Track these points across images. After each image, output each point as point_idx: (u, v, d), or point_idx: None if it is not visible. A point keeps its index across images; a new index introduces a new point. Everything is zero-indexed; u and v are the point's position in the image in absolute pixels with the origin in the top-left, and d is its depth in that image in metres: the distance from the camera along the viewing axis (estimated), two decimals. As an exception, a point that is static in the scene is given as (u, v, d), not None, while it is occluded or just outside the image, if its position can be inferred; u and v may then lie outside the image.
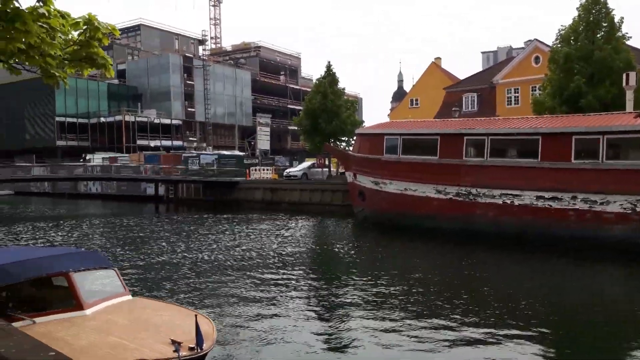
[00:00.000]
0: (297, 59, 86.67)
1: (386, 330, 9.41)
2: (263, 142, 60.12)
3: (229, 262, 16.27)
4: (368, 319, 10.15)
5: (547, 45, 35.28)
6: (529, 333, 9.28)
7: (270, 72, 77.57)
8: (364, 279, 13.97)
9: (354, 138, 30.69)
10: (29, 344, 3.41)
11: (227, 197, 38.58)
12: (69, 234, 23.87)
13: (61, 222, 29.49)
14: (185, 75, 64.24)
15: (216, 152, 52.60)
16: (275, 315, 10.41)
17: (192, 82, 64.62)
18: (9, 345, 3.39)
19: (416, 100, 54.82)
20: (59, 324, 6.40)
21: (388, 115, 60.03)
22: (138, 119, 58.52)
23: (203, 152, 53.19)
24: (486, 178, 20.69)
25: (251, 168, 44.24)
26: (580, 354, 8.73)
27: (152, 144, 58.20)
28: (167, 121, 61.33)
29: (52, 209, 40.51)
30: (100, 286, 7.71)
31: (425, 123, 25.62)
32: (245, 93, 71.20)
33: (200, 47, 75.78)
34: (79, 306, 6.79)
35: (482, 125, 22.17)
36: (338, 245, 20.40)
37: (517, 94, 41.20)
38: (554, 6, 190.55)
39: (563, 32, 27.18)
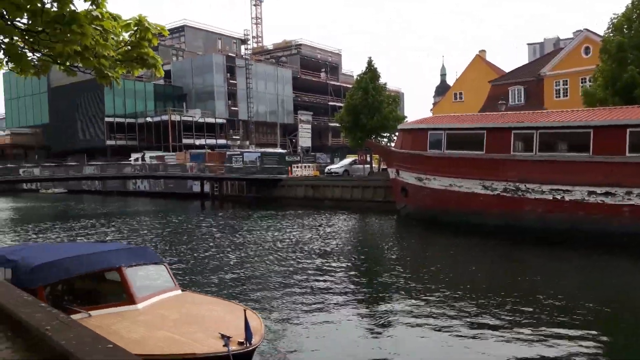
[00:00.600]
0: (338, 55, 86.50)
1: (431, 329, 9.28)
2: (304, 139, 60.34)
3: (273, 258, 16.44)
4: (412, 316, 10.03)
5: (598, 35, 33.82)
6: (580, 333, 8.94)
7: (311, 70, 77.78)
8: (408, 276, 13.82)
9: (396, 134, 30.37)
10: (89, 336, 3.53)
11: (270, 194, 39.01)
12: (120, 230, 24.71)
13: (112, 218, 30.59)
14: (228, 74, 65.25)
15: (259, 150, 53.26)
16: (320, 310, 10.44)
17: (235, 82, 65.58)
18: (70, 337, 3.52)
19: (460, 94, 53.71)
20: (113, 317, 6.62)
21: (431, 110, 59.10)
22: (183, 118, 59.92)
23: (246, 150, 53.95)
24: (535, 173, 20.06)
25: (293, 165, 44.54)
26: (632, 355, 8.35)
27: (197, 142, 59.47)
28: (212, 120, 62.52)
29: (102, 206, 42.05)
30: (150, 281, 7.93)
31: (470, 117, 25.07)
32: (286, 91, 71.70)
33: (243, 47, 76.75)
34: (131, 300, 7.01)
35: (531, 119, 21.49)
36: (381, 242, 20.26)
37: (566, 86, 39.72)
38: (566, 3, 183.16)
39: (615, 20, 25.97)
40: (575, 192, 19.01)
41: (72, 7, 3.58)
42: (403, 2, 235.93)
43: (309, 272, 14.19)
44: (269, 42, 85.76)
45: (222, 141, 62.71)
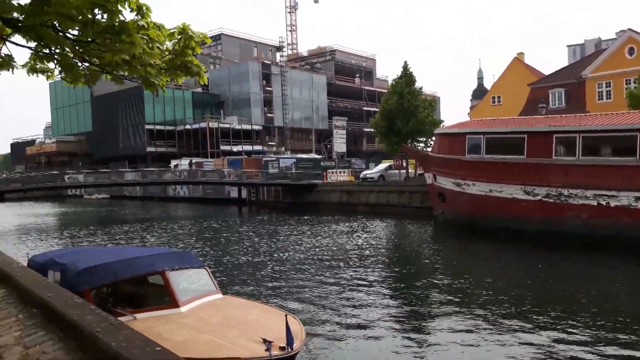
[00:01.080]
0: (372, 60, 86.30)
1: (470, 338, 9.08)
2: (339, 144, 60.29)
3: (310, 263, 16.47)
4: (450, 322, 9.85)
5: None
6: (626, 341, 8.57)
7: (345, 75, 77.87)
8: (446, 283, 13.59)
9: (433, 138, 29.99)
10: (138, 339, 3.61)
11: (305, 199, 39.16)
12: (161, 235, 25.27)
13: (153, 223, 31.33)
14: (264, 81, 66.06)
15: (294, 155, 53.58)
16: (358, 317, 10.37)
17: (271, 88, 66.31)
18: (120, 339, 3.61)
19: (498, 97, 52.74)
20: (157, 320, 6.75)
21: (468, 114, 58.21)
22: (221, 125, 60.96)
23: (282, 156, 54.38)
24: (578, 178, 19.45)
25: (328, 171, 44.58)
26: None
27: (234, 149, 60.35)
28: (248, 127, 63.37)
29: (143, 211, 43.12)
30: (193, 285, 8.06)
31: (509, 121, 24.53)
32: (321, 97, 72.01)
33: (278, 54, 77.63)
34: (174, 304, 7.14)
35: (573, 122, 20.87)
36: (418, 248, 20.01)
37: (609, 88, 38.42)
38: (573, 2, 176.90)
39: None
40: (622, 197, 18.32)
41: (121, 18, 3.70)
42: (411, 0, 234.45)
43: (346, 277, 14.14)
44: (303, 49, 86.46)
45: (258, 147, 63.46)
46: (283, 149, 65.40)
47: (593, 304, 11.22)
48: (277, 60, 74.31)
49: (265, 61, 69.34)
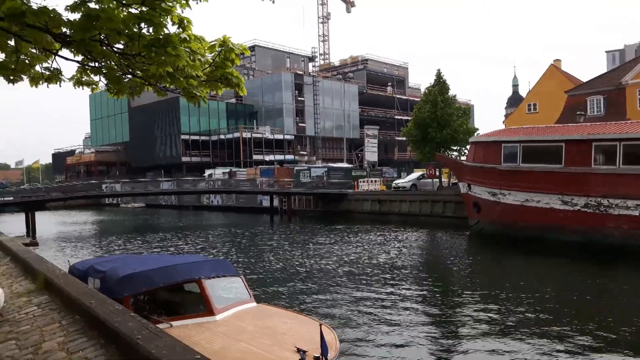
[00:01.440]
0: (405, 69, 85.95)
1: (505, 352, 8.84)
2: (371, 153, 60.16)
3: (342, 272, 16.41)
4: (483, 336, 9.63)
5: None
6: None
7: (377, 84, 77.79)
8: (481, 295, 13.30)
9: (467, 147, 29.56)
10: (178, 346, 3.66)
11: (337, 208, 39.11)
12: (195, 243, 25.65)
13: (188, 231, 31.84)
14: (296, 92, 66.65)
15: (325, 164, 53.66)
16: (391, 327, 10.26)
17: (303, 98, 66.83)
18: (160, 346, 3.67)
19: (534, 105, 51.60)
20: (193, 328, 6.82)
21: (503, 122, 57.15)
22: (254, 135, 61.72)
23: (313, 165, 54.54)
24: (619, 187, 18.83)
25: (359, 180, 44.43)
26: None
27: (267, 158, 60.93)
28: (280, 136, 63.94)
29: (178, 220, 43.88)
30: (228, 293, 8.12)
31: (547, 129, 23.98)
32: (352, 106, 72.11)
33: (310, 64, 78.18)
34: (210, 311, 7.20)
35: (613, 130, 20.24)
36: (452, 259, 19.68)
37: (651, 94, 37.09)
38: (611, 7, 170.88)
39: None
40: (667, 207, 17.63)
41: (166, 31, 3.80)
42: (444, 9, 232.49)
43: (379, 288, 14.02)
44: (335, 59, 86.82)
45: (290, 157, 63.90)
46: (314, 158, 65.65)
47: (634, 319, 10.79)
48: (310, 71, 74.84)
49: (298, 72, 69.94)
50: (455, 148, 37.35)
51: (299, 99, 66.78)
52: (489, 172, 23.11)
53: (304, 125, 67.12)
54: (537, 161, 21.49)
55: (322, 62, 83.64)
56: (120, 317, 4.73)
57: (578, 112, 33.18)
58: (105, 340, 4.68)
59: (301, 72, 70.24)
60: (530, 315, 11.11)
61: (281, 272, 16.79)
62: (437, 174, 37.09)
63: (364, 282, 14.86)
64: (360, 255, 19.86)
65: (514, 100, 70.90)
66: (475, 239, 24.58)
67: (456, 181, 30.96)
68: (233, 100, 67.05)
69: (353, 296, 13.04)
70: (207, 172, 55.07)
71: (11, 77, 4.87)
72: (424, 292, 13.87)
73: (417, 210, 32.87)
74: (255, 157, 60.33)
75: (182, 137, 62.72)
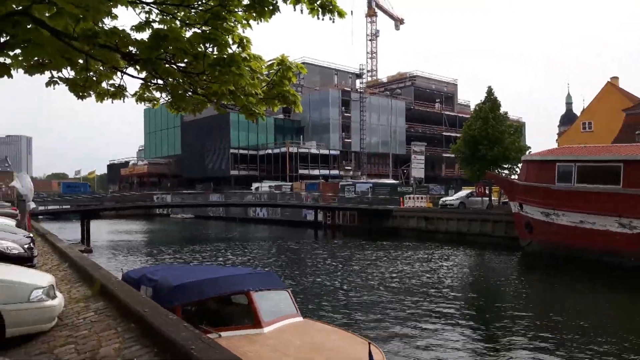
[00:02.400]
0: (454, 85, 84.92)
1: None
2: (417, 170, 59.44)
3: (388, 290, 16.20)
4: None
5: None
6: None
7: (425, 100, 77.15)
8: (531, 320, 12.80)
9: (519, 165, 28.75)
10: (231, 358, 3.71)
11: (381, 224, 38.76)
12: (242, 254, 26.02)
13: (234, 243, 32.36)
14: (343, 108, 67.04)
15: (371, 180, 53.41)
16: (439, 349, 10.02)
17: (349, 114, 67.12)
18: (214, 358, 3.74)
19: (589, 123, 49.81)
20: (241, 339, 6.88)
21: (556, 140, 55.38)
22: (300, 150, 62.42)
23: (358, 180, 54.40)
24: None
25: (405, 196, 43.91)
26: None
27: (312, 173, 61.35)
28: (326, 152, 64.35)
29: (225, 231, 44.66)
30: (275, 306, 8.15)
31: (604, 148, 23.06)
32: (399, 122, 71.77)
33: (358, 81, 78.47)
34: (257, 324, 7.25)
35: (678, 150, 19.24)
36: (502, 280, 19.07)
37: None
38: None
39: None
40: None
41: (230, 50, 3.93)
42: (494, 26, 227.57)
43: (427, 308, 13.75)
44: (383, 75, 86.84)
45: (335, 172, 64.10)
46: (359, 173, 65.53)
47: None
48: (357, 87, 75.09)
49: (345, 88, 70.37)
50: (506, 166, 36.35)
51: (346, 114, 67.09)
52: (542, 192, 22.39)
53: (349, 140, 67.30)
54: (593, 181, 20.66)
55: (369, 78, 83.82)
56: (174, 327, 4.84)
57: (638, 132, 31.72)
58: (159, 349, 4.80)
59: (348, 89, 70.61)
60: (577, 342, 10.60)
61: (326, 287, 16.75)
62: (487, 192, 36.20)
63: (411, 301, 14.61)
64: (406, 273, 19.57)
65: (568, 118, 68.57)
66: (526, 261, 23.75)
67: (507, 200, 30.12)
68: (281, 116, 68.11)
69: (399, 315, 12.84)
70: (254, 185, 55.94)
71: (80, 93, 5.15)
72: (473, 315, 13.49)
73: (466, 229, 32.12)
74: (301, 171, 60.88)
75: (231, 151, 64.16)
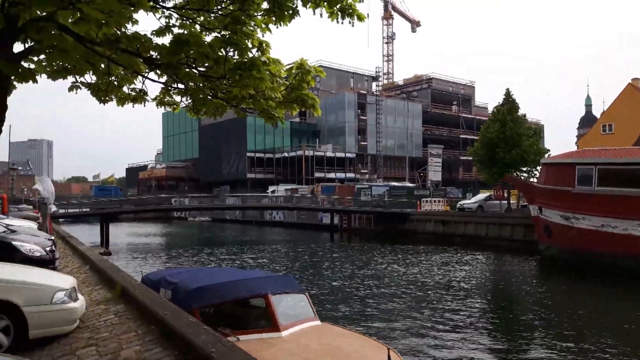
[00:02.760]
0: (471, 87, 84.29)
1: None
2: (434, 173, 59.05)
3: (406, 294, 16.10)
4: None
5: None
6: None
7: (442, 103, 76.70)
8: (551, 327, 12.60)
9: (538, 168, 28.37)
10: (253, 361, 3.71)
11: (398, 227, 38.55)
12: (258, 257, 26.09)
13: (251, 246, 32.48)
14: (359, 111, 66.97)
15: (387, 183, 53.19)
16: (457, 354, 9.91)
17: (365, 117, 67.02)
18: (235, 360, 3.75)
19: (609, 125, 48.98)
20: (259, 343, 6.88)
21: (576, 143, 54.59)
22: (316, 153, 62.51)
23: (375, 183, 54.22)
24: None
25: (422, 199, 43.62)
26: None
27: (328, 176, 61.36)
28: (342, 155, 64.31)
29: (242, 234, 44.86)
30: (293, 310, 8.14)
31: (625, 151, 22.63)
32: (415, 125, 71.44)
33: (374, 84, 78.38)
34: (275, 327, 7.24)
35: (703, 152, 18.81)
36: (521, 285, 18.83)
37: None
38: None
39: None
40: None
41: (250, 55, 3.96)
42: (510, 26, 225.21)
43: (445, 313, 13.62)
44: (400, 77, 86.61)
45: (351, 175, 64.01)
46: (375, 176, 65.31)
47: None
48: (373, 90, 74.94)
49: (361, 91, 70.30)
50: (524, 169, 35.89)
51: (362, 117, 67.02)
52: (561, 195, 22.05)
53: (365, 143, 67.18)
54: (614, 185, 20.29)
55: (385, 81, 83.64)
56: (194, 330, 4.86)
57: (661, 133, 31.11)
58: (179, 351, 4.82)
59: (364, 92, 70.52)
60: (606, 356, 10.39)
61: (343, 291, 16.71)
62: (505, 195, 35.79)
63: (429, 305, 14.50)
64: (424, 277, 19.43)
65: (587, 120, 67.65)
66: (546, 265, 23.42)
67: (525, 203, 29.74)
68: (297, 119, 68.28)
69: (418, 320, 12.74)
70: (271, 188, 56.12)
71: (102, 98, 5.22)
72: (492, 321, 13.34)
73: (484, 232, 31.80)
74: (317, 174, 60.92)
75: (248, 154, 64.51)
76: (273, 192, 53.57)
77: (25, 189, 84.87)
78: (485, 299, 16.05)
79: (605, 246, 20.13)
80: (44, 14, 4.37)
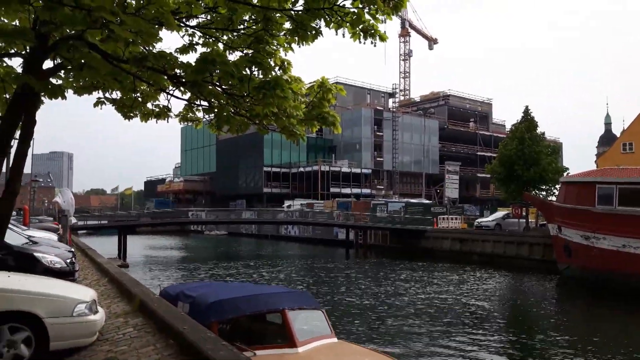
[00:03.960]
0: (488, 105, 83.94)
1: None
2: (451, 190, 58.61)
3: (423, 312, 15.93)
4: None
5: None
6: None
7: (459, 120, 76.46)
8: (569, 350, 12.32)
9: (557, 187, 28.01)
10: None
11: (414, 245, 38.24)
12: (274, 272, 26.07)
13: (267, 261, 32.51)
14: (375, 127, 67.09)
15: (403, 199, 52.92)
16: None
17: (381, 133, 67.08)
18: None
19: (630, 144, 48.27)
20: (275, 358, 6.85)
21: (595, 161, 53.86)
22: (332, 168, 62.63)
23: (391, 199, 53.98)
24: None
25: (439, 216, 43.25)
26: None
27: (344, 191, 61.33)
28: (358, 170, 64.32)
29: (258, 248, 44.91)
30: (309, 326, 8.10)
31: (647, 170, 22.27)
32: (432, 141, 71.19)
33: (390, 100, 78.55)
34: (292, 343, 7.20)
35: None
36: (540, 306, 18.50)
37: None
38: None
39: None
40: None
41: (274, 74, 4.03)
42: (527, 45, 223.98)
43: (462, 332, 13.43)
44: (416, 94, 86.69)
45: (366, 190, 63.91)
46: (391, 192, 65.07)
47: None
48: (390, 106, 75.09)
49: (378, 107, 70.48)
50: (543, 187, 35.48)
51: (378, 133, 67.09)
52: (581, 214, 21.73)
53: (381, 159, 67.14)
54: (636, 204, 19.94)
55: (402, 97, 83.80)
56: (213, 345, 4.87)
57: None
58: (198, 367, 4.83)
59: (381, 108, 70.68)
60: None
61: (359, 308, 16.59)
62: (524, 213, 35.35)
63: (447, 324, 14.32)
64: (441, 296, 19.21)
65: (607, 139, 66.73)
66: (565, 286, 23.00)
67: (544, 222, 29.33)
68: (313, 135, 68.58)
69: (434, 339, 12.58)
70: (286, 203, 56.18)
71: (127, 114, 5.34)
72: (510, 341, 13.11)
73: (502, 251, 31.37)
74: (332, 189, 60.95)
75: (264, 168, 64.87)
76: (289, 206, 53.63)
77: (46, 201, 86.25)
78: (504, 319, 15.79)
79: (626, 267, 19.73)
80: (73, 32, 4.51)
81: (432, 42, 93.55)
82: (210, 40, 4.74)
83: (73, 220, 21.09)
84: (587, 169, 26.86)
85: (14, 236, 10.29)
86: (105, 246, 36.59)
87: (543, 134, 36.41)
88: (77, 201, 47.16)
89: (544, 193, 35.57)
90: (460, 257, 33.46)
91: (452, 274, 26.01)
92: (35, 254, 9.80)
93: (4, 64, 5.16)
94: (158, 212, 54.00)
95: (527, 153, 33.36)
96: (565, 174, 33.05)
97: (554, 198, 29.96)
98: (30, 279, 6.96)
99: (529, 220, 35.95)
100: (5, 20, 4.55)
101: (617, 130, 65.00)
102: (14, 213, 10.50)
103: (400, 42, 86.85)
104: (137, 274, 23.60)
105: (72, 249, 12.91)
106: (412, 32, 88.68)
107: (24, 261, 9.35)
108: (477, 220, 40.27)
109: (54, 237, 16.22)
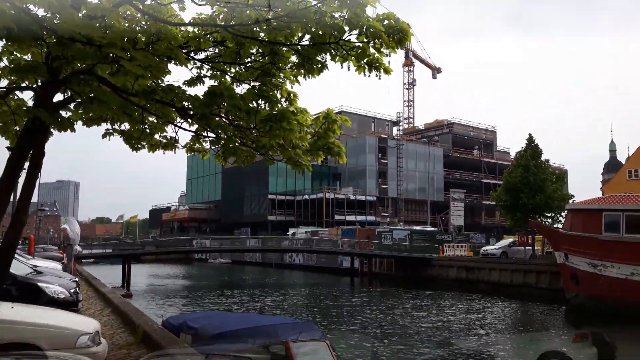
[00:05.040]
0: (492, 132, 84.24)
1: None
2: (456, 217, 58.36)
3: (429, 342, 15.70)
4: None
5: None
6: None
7: (463, 147, 76.68)
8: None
9: (563, 214, 27.87)
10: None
11: (419, 273, 37.84)
12: (279, 301, 25.82)
13: (272, 289, 32.22)
14: (380, 154, 67.35)
15: (408, 227, 52.65)
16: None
17: (386, 161, 67.30)
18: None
19: (635, 171, 48.13)
20: None
21: (601, 188, 53.68)
22: (336, 195, 62.62)
23: (396, 227, 53.72)
24: None
25: (445, 244, 42.93)
26: None
27: (348, 218, 61.16)
28: (362, 197, 64.29)
29: (262, 277, 44.57)
30: (313, 358, 8.00)
31: (653, 197, 22.18)
32: (437, 169, 71.25)
33: (395, 128, 79.03)
34: (295, 376, 7.11)
35: None
36: (548, 336, 18.16)
37: None
38: None
39: None
40: None
41: (280, 106, 4.10)
42: (529, 72, 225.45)
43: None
44: (420, 122, 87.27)
45: (371, 218, 63.71)
46: (396, 220, 64.82)
47: None
48: (394, 134, 75.51)
49: (382, 135, 70.87)
50: (549, 215, 35.30)
51: (382, 161, 67.31)
52: (588, 242, 21.54)
53: (386, 187, 67.17)
54: (644, 232, 19.78)
55: (406, 125, 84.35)
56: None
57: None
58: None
59: (385, 136, 71.07)
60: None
61: (365, 338, 16.36)
62: (530, 241, 35.08)
63: (454, 355, 14.07)
64: (448, 326, 18.94)
65: (612, 165, 66.82)
66: (573, 314, 22.63)
67: (550, 250, 29.08)
68: (318, 162, 68.86)
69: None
70: (291, 230, 56.01)
71: (135, 145, 5.41)
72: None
73: (508, 279, 31.00)
74: (337, 217, 60.81)
75: (269, 196, 64.95)
76: (293, 234, 53.44)
77: (52, 229, 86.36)
78: (512, 350, 15.51)
79: (635, 295, 19.44)
80: (84, 66, 4.61)
81: (435, 71, 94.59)
82: (218, 73, 4.84)
83: (78, 249, 21.08)
84: (592, 196, 26.75)
85: (19, 266, 10.27)
86: (109, 275, 36.46)
87: (547, 161, 36.44)
88: (82, 230, 47.22)
89: (549, 220, 35.38)
90: (466, 285, 33.05)
91: (460, 303, 25.69)
92: (39, 284, 9.78)
93: (15, 97, 5.26)
94: (162, 241, 53.87)
95: (532, 181, 33.32)
96: (570, 201, 32.90)
97: (559, 225, 29.77)
98: (34, 309, 6.94)
99: (535, 248, 35.66)
100: (18, 55, 4.66)
101: (622, 156, 65.02)
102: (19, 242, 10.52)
103: (404, 71, 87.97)
104: (140, 303, 23.44)
105: (76, 279, 12.87)
106: (416, 62, 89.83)
107: (28, 291, 9.33)
108: (483, 248, 39.98)
109: (59, 266, 16.18)
